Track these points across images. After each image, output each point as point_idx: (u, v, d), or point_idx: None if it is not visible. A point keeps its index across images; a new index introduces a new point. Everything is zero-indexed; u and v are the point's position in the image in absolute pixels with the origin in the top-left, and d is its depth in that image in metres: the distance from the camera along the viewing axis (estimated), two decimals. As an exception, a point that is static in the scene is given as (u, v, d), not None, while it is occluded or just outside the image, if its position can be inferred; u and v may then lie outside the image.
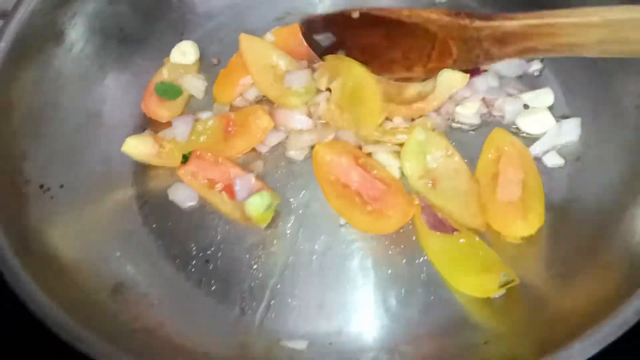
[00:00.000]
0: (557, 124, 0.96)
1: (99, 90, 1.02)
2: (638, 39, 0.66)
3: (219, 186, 0.93)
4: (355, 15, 0.92)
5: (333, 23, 0.97)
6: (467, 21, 0.78)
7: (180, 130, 0.97)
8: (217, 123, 0.99)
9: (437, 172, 0.92)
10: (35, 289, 0.71)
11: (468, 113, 0.98)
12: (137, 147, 0.97)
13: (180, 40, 1.10)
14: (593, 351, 0.63)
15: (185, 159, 0.95)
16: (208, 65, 1.10)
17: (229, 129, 0.97)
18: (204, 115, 1.02)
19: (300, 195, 0.95)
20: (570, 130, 0.95)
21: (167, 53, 1.09)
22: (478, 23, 0.78)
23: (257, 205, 0.89)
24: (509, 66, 1.00)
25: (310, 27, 1.01)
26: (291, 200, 0.94)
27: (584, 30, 0.71)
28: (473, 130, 0.98)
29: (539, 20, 0.74)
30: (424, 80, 0.97)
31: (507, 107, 0.98)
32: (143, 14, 1.09)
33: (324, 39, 1.00)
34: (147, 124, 1.03)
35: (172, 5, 1.12)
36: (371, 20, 0.92)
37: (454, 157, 0.92)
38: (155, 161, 0.97)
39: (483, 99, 0.99)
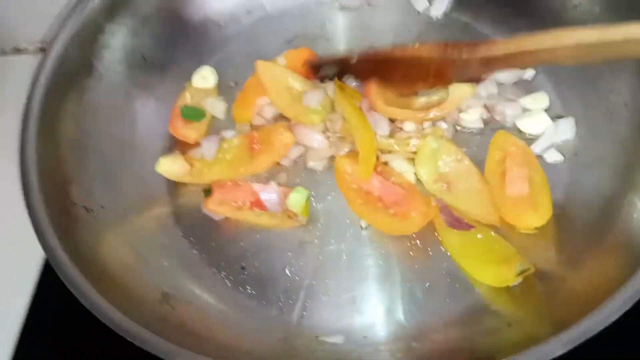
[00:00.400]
0: (553, 124, 1.04)
1: (129, 117, 1.09)
2: (613, 53, 0.74)
3: (247, 205, 1.00)
4: (353, 61, 1.02)
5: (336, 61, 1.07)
6: (455, 55, 0.87)
7: (208, 149, 1.05)
8: (242, 141, 1.06)
9: (450, 176, 1.00)
10: (95, 295, 0.77)
11: (472, 119, 1.07)
12: (170, 166, 1.04)
13: (199, 66, 1.18)
14: (602, 326, 0.70)
15: (208, 192, 1.01)
16: (226, 88, 1.18)
17: (254, 146, 1.05)
18: (228, 134, 1.09)
19: (323, 203, 1.02)
20: (566, 129, 1.04)
21: (188, 78, 1.17)
22: (465, 55, 0.87)
23: (298, 199, 0.97)
24: (506, 74, 1.10)
25: (315, 66, 1.10)
26: (315, 206, 1.01)
27: (559, 52, 0.80)
28: (478, 134, 1.06)
29: (517, 48, 0.84)
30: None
31: (507, 111, 1.06)
32: (163, 44, 1.16)
33: (328, 70, 1.08)
34: (175, 145, 1.10)
35: (189, 35, 1.20)
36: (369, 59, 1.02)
37: (463, 161, 1.01)
38: (186, 179, 1.04)
39: (485, 105, 1.08)
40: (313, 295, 0.93)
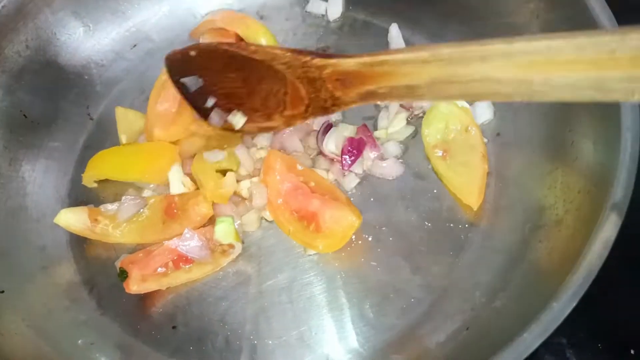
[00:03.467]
0: (471, 107, 1.01)
1: (16, 185, 0.97)
2: (466, 75, 0.64)
3: (171, 266, 0.88)
4: (193, 53, 0.90)
5: (196, 64, 0.92)
6: (308, 58, 0.79)
7: (126, 210, 0.92)
8: (158, 205, 0.94)
9: (453, 145, 0.96)
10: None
11: (400, 127, 1.02)
12: (70, 219, 0.92)
13: (88, 114, 1.08)
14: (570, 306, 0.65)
15: (123, 275, 0.88)
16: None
17: (173, 211, 0.93)
18: (147, 193, 0.98)
19: (252, 235, 0.94)
20: (485, 110, 1.01)
21: (78, 132, 1.06)
22: (317, 60, 0.78)
23: (225, 228, 0.89)
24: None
25: (175, 67, 0.94)
26: (245, 241, 0.93)
27: (416, 68, 0.69)
28: (413, 136, 1.02)
29: (372, 58, 0.73)
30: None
31: (425, 103, 1.02)
32: (43, 97, 1.04)
33: (190, 82, 0.94)
34: (83, 201, 0.99)
35: (71, 82, 1.09)
36: (226, 59, 0.88)
37: (475, 134, 0.97)
38: (89, 235, 0.93)
39: (401, 105, 1.03)
40: (258, 341, 0.84)
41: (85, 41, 1.11)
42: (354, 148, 0.95)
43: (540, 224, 0.83)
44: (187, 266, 0.88)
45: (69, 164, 1.03)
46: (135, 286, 0.87)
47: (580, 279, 0.66)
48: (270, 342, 0.84)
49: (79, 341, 0.84)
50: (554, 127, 0.90)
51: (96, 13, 1.10)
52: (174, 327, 0.86)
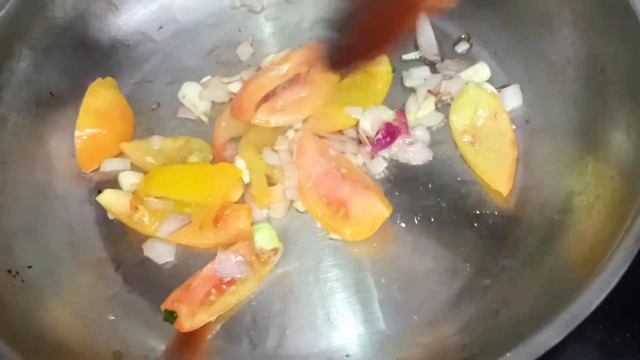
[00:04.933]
0: (500, 93, 1.00)
1: (43, 162, 0.98)
2: None
3: (216, 292, 0.85)
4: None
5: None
6: None
7: (170, 225, 0.91)
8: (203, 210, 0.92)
9: (482, 130, 0.95)
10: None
11: (428, 112, 1.01)
12: (112, 201, 0.93)
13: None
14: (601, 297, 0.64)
15: (171, 318, 0.83)
16: (148, 111, 1.08)
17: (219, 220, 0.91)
18: None
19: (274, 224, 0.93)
20: (513, 97, 1.00)
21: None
22: None
23: (266, 234, 0.87)
24: (426, 47, 1.07)
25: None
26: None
27: None
28: (442, 123, 1.01)
29: None
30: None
31: (452, 88, 1.01)
32: (70, 75, 1.05)
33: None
34: (100, 185, 0.99)
35: (97, 61, 1.09)
36: None
37: (503, 120, 0.95)
38: (126, 220, 0.93)
39: (429, 91, 1.02)
40: (285, 321, 0.84)
41: (112, 21, 1.11)
42: (389, 134, 0.95)
43: (569, 209, 0.83)
44: (231, 288, 0.85)
45: (95, 143, 1.03)
46: (187, 323, 0.82)
47: (613, 268, 0.65)
48: (297, 321, 0.84)
49: (107, 317, 0.84)
50: (585, 114, 0.89)
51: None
52: (200, 305, 0.86)
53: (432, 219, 0.90)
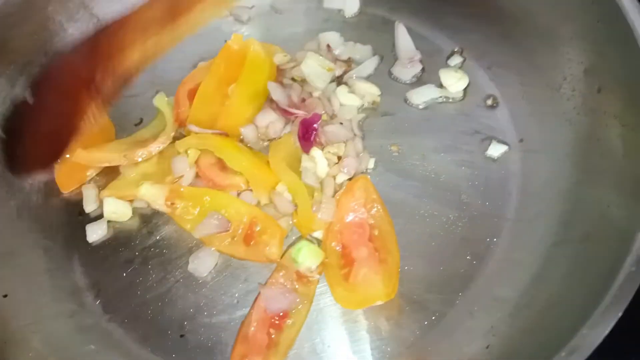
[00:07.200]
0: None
1: (20, 182, 0.93)
2: None
3: (275, 336, 0.81)
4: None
5: None
6: None
7: (208, 226, 0.89)
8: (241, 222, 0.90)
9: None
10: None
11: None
12: (150, 194, 0.92)
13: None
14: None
15: None
16: (131, 127, 1.04)
17: (251, 237, 0.89)
18: None
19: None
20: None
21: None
22: None
23: (309, 251, 0.84)
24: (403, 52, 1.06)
25: None
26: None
27: None
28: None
29: None
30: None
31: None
32: (50, 90, 1.01)
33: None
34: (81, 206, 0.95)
35: (79, 75, 1.05)
36: None
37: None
38: (168, 213, 0.92)
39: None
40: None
41: (93, 33, 1.06)
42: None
43: (564, 239, 0.80)
44: (287, 321, 0.82)
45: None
46: None
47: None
48: (282, 353, 0.81)
49: (85, 348, 0.81)
50: (580, 129, 0.86)
51: (105, 5, 1.06)
52: (182, 336, 0.83)
53: (422, 246, 0.88)
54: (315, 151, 0.92)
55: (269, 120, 0.98)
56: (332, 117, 0.99)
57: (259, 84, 0.99)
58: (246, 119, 0.98)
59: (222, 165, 0.93)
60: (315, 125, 0.93)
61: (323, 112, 0.98)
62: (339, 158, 0.93)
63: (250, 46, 1.02)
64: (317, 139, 0.93)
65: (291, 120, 0.97)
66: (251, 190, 0.92)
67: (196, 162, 0.95)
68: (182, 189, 0.92)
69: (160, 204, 0.92)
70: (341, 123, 0.97)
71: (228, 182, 0.92)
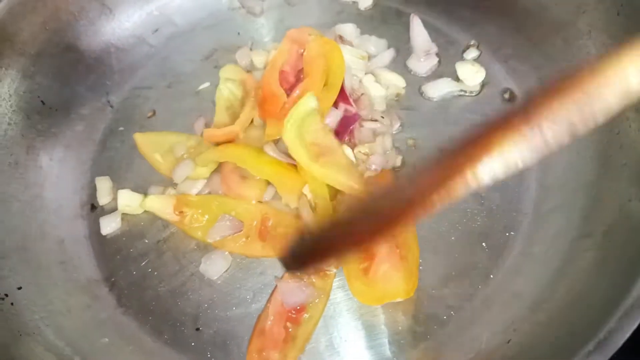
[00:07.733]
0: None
1: (34, 175, 0.93)
2: None
3: (292, 330, 0.80)
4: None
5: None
6: None
7: (221, 229, 0.88)
8: (253, 221, 0.89)
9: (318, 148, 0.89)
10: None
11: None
12: (156, 205, 0.91)
13: (107, 101, 1.03)
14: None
15: None
16: (144, 120, 1.03)
17: (266, 232, 0.88)
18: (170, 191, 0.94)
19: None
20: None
21: (97, 119, 1.02)
22: None
23: None
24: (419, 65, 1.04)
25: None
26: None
27: None
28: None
29: None
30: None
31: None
32: (61, 82, 1.00)
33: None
34: (94, 198, 0.94)
35: (90, 67, 1.04)
36: None
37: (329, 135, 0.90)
38: (177, 224, 0.91)
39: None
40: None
41: (105, 25, 1.06)
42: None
43: (585, 233, 0.79)
44: (304, 315, 0.81)
45: (88, 153, 1.00)
46: None
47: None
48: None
49: (101, 340, 0.80)
50: (599, 127, 0.85)
51: (116, -5, 1.06)
52: (197, 329, 0.82)
53: (440, 244, 0.86)
54: (346, 149, 0.91)
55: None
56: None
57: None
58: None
59: (242, 174, 0.91)
60: (351, 127, 0.93)
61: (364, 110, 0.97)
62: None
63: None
64: (352, 139, 0.93)
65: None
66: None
67: (218, 170, 0.94)
68: (190, 198, 0.90)
69: (168, 213, 0.90)
70: (382, 117, 0.96)
71: (249, 192, 0.90)
